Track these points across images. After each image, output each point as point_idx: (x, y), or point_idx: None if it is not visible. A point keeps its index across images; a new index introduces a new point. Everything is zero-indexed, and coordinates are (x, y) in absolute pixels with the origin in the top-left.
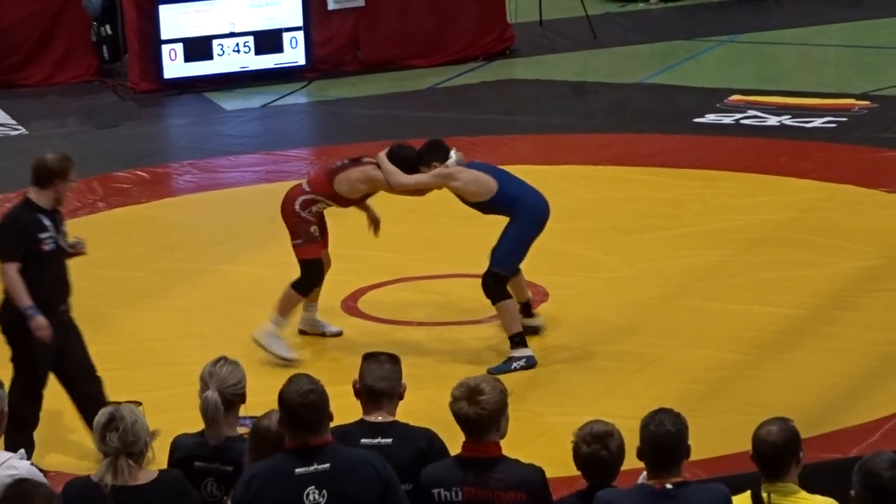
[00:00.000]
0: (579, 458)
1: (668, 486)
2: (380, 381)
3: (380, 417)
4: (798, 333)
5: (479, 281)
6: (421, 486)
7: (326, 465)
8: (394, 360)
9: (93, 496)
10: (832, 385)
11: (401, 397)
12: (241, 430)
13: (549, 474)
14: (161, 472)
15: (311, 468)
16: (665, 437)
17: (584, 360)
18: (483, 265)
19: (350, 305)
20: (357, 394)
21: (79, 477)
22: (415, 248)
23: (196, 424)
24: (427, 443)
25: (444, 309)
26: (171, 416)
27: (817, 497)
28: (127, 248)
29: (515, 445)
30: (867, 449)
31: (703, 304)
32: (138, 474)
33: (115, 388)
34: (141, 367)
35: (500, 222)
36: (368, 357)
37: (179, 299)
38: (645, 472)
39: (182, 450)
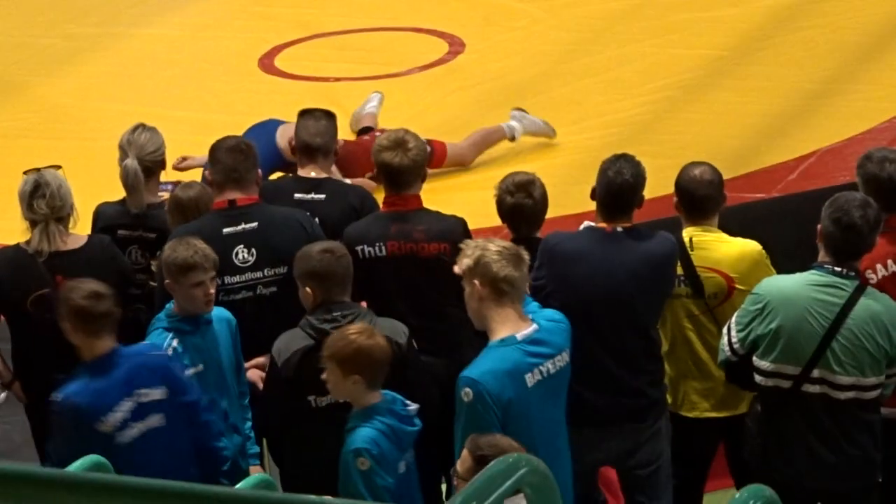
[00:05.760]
0: (504, 209)
1: (619, 229)
2: (315, 136)
3: (313, 173)
4: (717, 74)
5: (401, 34)
6: (345, 245)
7: (254, 224)
8: (329, 116)
9: (24, 263)
10: (753, 125)
11: (336, 154)
12: (164, 196)
13: (471, 225)
14: (90, 236)
15: (239, 227)
16: (621, 186)
17: (501, 108)
18: (399, 16)
19: (267, 64)
20: (293, 150)
21: (8, 246)
22: (327, 3)
23: (118, 191)
24: (360, 200)
25: (363, 64)
26: (94, 181)
27: (738, 239)
28: (38, 13)
29: (435, 198)
30: (787, 188)
31: (620, 48)
32: (67, 239)
33: (35, 157)
34: (60, 134)
35: None
36: (304, 113)
37: (95, 64)
38: (586, 222)
39: (105, 218)
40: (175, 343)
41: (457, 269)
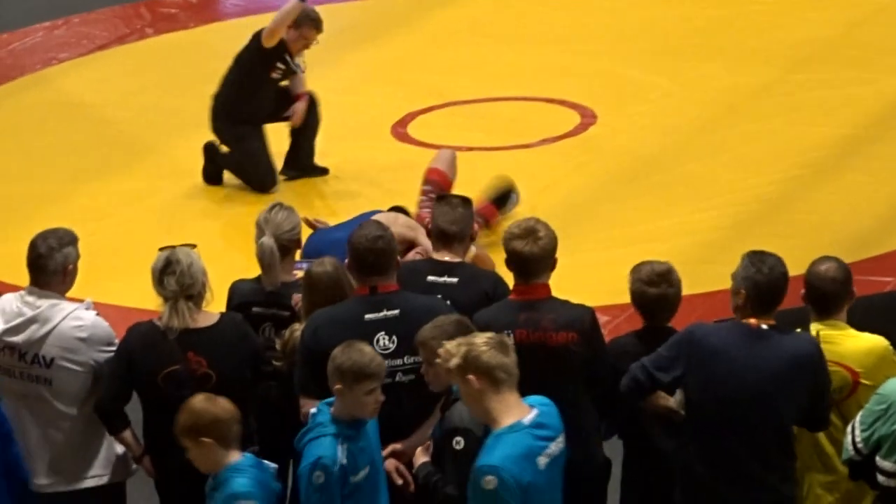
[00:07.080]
0: (644, 300)
1: (764, 326)
2: (451, 224)
3: (447, 258)
4: (847, 154)
5: (533, 104)
6: None
7: (396, 312)
8: (466, 203)
9: (155, 339)
10: (882, 206)
11: (472, 238)
12: (297, 275)
13: (594, 304)
14: (222, 314)
15: (381, 314)
16: (775, 283)
17: (631, 183)
18: (531, 86)
19: (400, 131)
20: (428, 234)
21: (142, 322)
22: (461, 71)
23: (251, 265)
24: (492, 285)
25: (495, 134)
26: (227, 249)
27: (865, 334)
28: (174, 75)
29: (561, 279)
30: None
31: (751, 125)
32: (199, 317)
33: (166, 218)
34: (191, 194)
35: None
36: (441, 199)
37: None
38: None
39: (240, 296)
40: (345, 450)
41: (444, 368)
